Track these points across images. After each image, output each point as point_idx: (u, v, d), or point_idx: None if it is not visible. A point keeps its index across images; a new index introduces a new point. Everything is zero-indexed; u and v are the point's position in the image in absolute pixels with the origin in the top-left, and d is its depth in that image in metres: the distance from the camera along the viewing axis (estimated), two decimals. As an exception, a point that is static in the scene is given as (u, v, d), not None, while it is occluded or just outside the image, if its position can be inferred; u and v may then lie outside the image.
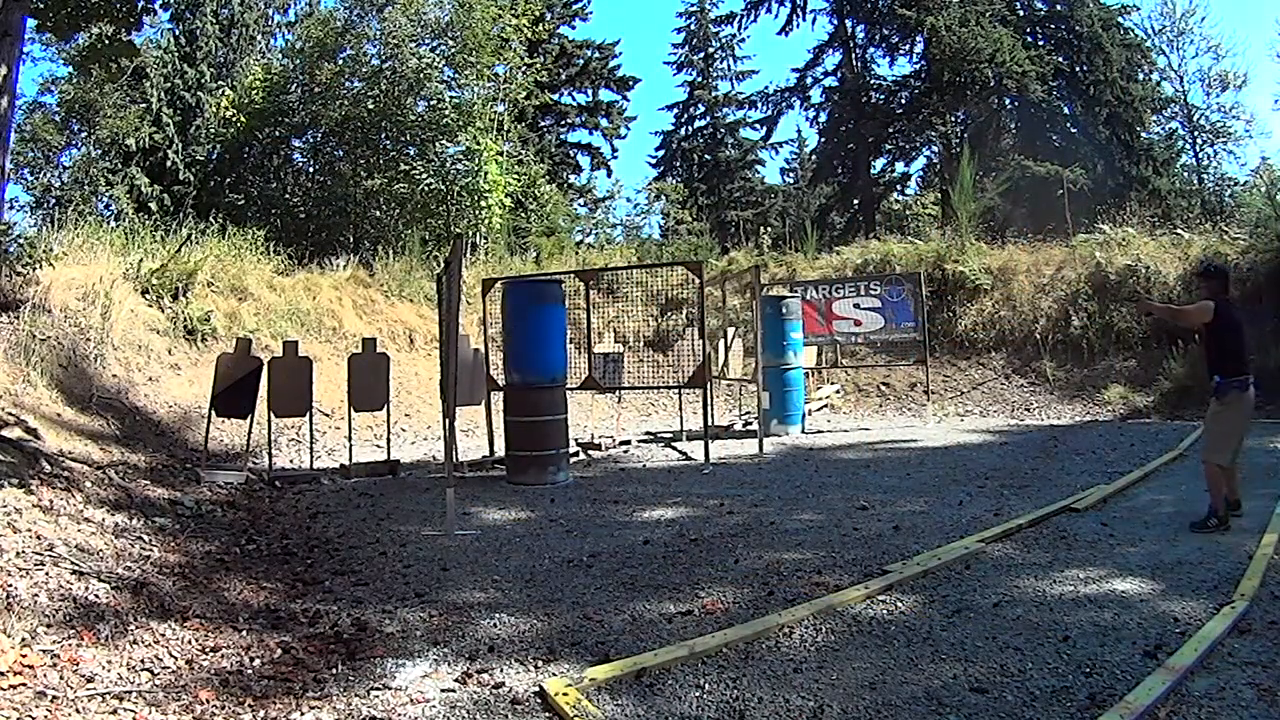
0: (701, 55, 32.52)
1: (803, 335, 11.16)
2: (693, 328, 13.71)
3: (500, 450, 8.11)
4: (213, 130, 19.90)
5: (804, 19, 28.14)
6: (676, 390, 10.81)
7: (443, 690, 3.04)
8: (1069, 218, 15.78)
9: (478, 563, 4.74)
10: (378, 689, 3.05)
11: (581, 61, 29.59)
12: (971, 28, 23.49)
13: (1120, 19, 25.31)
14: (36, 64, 21.49)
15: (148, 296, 9.31)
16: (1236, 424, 5.06)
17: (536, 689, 3.00)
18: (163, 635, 3.38)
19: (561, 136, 30.50)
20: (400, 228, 17.17)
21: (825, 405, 12.97)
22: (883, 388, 13.37)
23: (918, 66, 26.32)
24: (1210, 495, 4.99)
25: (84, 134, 19.97)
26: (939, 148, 26.95)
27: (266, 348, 9.54)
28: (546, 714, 2.84)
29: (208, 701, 2.86)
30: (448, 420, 6.34)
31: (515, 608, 3.94)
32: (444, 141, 17.28)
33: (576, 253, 18.90)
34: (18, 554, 3.71)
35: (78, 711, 2.70)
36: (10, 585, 3.40)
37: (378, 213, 17.91)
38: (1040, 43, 25.36)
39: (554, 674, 3.13)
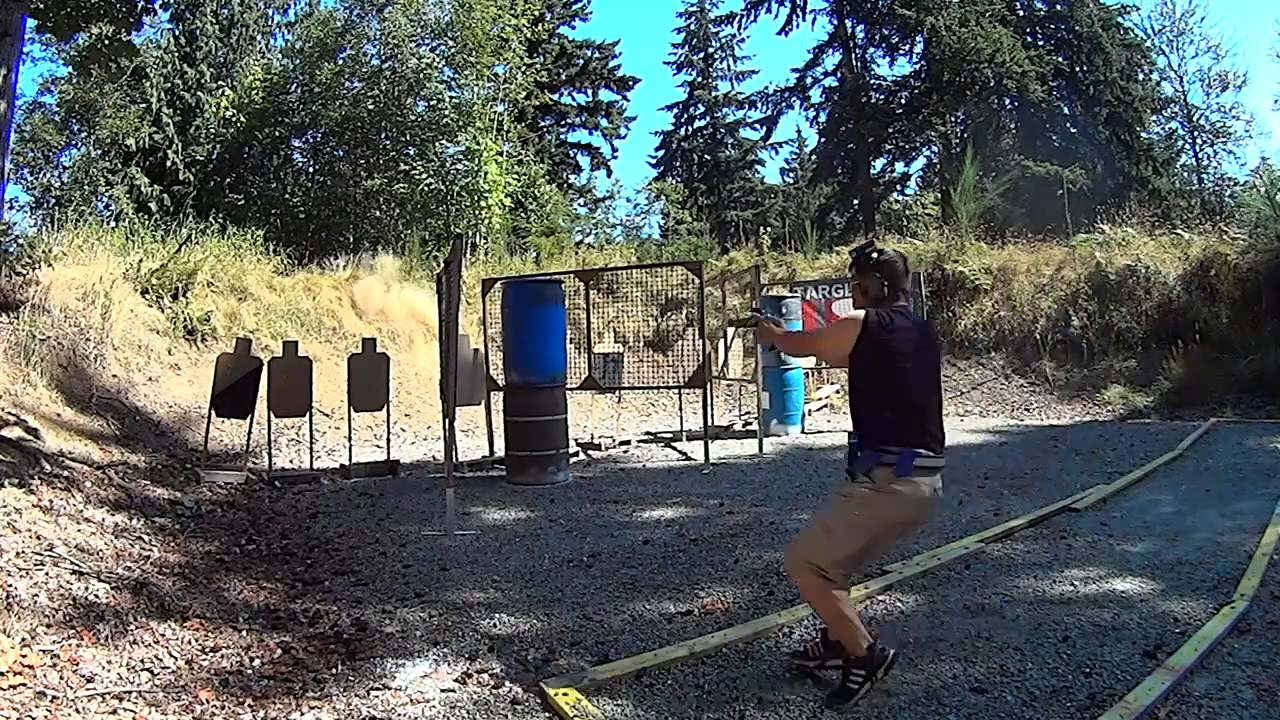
0: (701, 55, 32.54)
1: (803, 335, 11.14)
2: (693, 328, 13.72)
3: (500, 450, 8.11)
4: (213, 130, 19.91)
5: (804, 19, 28.18)
6: (676, 390, 10.81)
7: (443, 690, 3.04)
8: (1069, 218, 15.81)
9: (478, 563, 4.74)
10: (378, 689, 3.05)
11: (581, 61, 29.61)
12: (971, 28, 23.50)
13: (1120, 19, 25.33)
14: (36, 64, 21.60)
15: (147, 296, 9.31)
16: (875, 521, 2.88)
17: (536, 689, 3.00)
18: (163, 635, 3.38)
19: (561, 136, 30.53)
20: (400, 228, 17.20)
21: (825, 405, 12.95)
22: (883, 388, 13.35)
23: (917, 66, 26.34)
24: (829, 624, 2.99)
25: (84, 134, 20.00)
26: (939, 148, 26.96)
27: (266, 348, 9.55)
28: (546, 714, 2.84)
29: (208, 701, 2.86)
30: (447, 420, 6.33)
31: (515, 608, 3.94)
32: (444, 141, 17.31)
33: (576, 253, 18.91)
34: (18, 554, 3.71)
35: (77, 711, 2.70)
36: (10, 585, 3.40)
37: (378, 213, 17.93)
38: (1040, 43, 25.38)
39: (554, 674, 3.13)
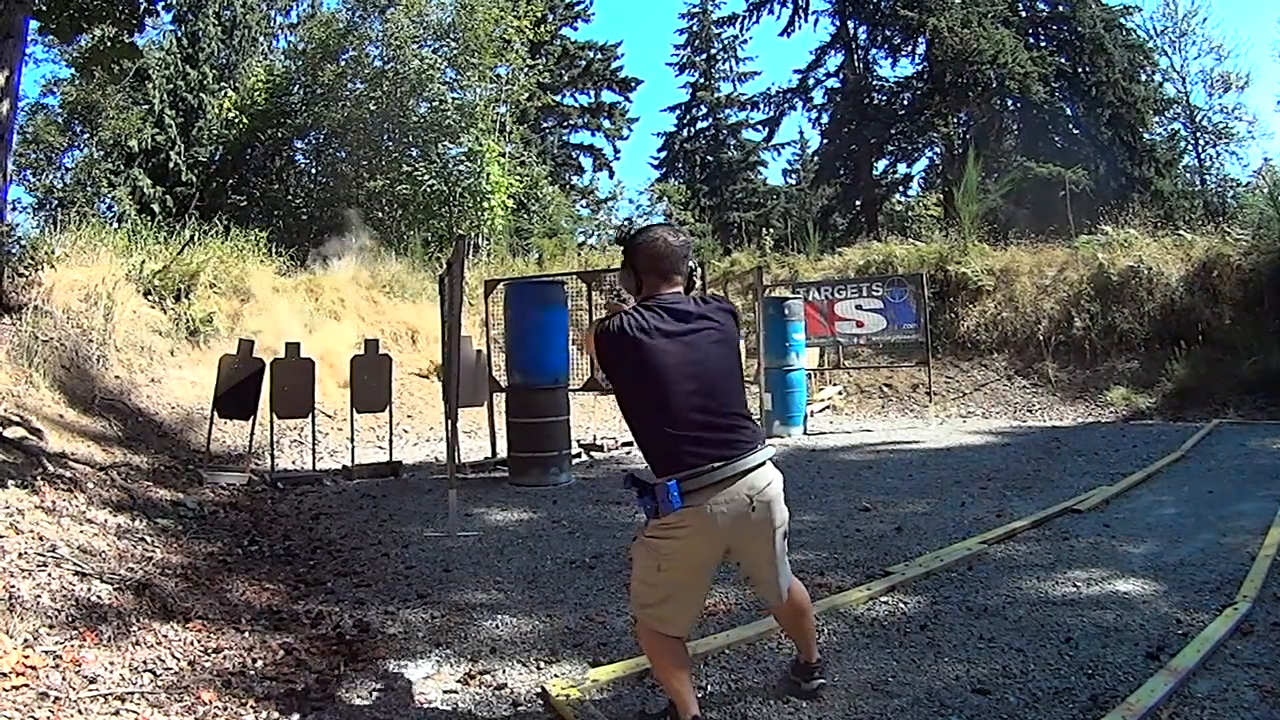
0: (704, 57, 32.59)
1: (805, 336, 11.15)
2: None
3: (502, 451, 8.11)
4: (215, 131, 19.97)
5: (806, 20, 28.22)
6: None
7: (445, 691, 3.04)
8: (1071, 219, 15.77)
9: (480, 564, 4.74)
10: (380, 690, 3.05)
11: (584, 63, 29.67)
12: (974, 29, 23.49)
13: (1122, 20, 25.32)
14: (39, 65, 21.58)
15: (150, 298, 9.32)
16: (674, 565, 2.45)
17: (538, 690, 3.00)
18: (165, 636, 3.38)
19: (564, 138, 30.61)
20: (403, 229, 17.22)
21: (827, 407, 12.95)
22: (885, 389, 13.36)
23: (920, 68, 26.34)
24: (658, 680, 2.71)
25: (86, 135, 20.05)
26: (941, 149, 26.94)
27: (268, 348, 9.55)
28: (549, 715, 2.84)
29: (210, 702, 2.86)
30: (450, 421, 6.34)
31: (518, 609, 3.94)
32: (446, 143, 17.34)
33: (579, 254, 18.94)
34: (20, 555, 3.72)
35: (80, 712, 2.70)
36: (13, 586, 3.40)
37: (380, 214, 17.95)
38: (1042, 44, 25.36)
39: (556, 675, 3.13)
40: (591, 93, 30.50)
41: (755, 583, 2.77)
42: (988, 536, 4.85)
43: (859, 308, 11.71)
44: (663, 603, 2.48)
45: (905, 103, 26.63)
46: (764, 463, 2.46)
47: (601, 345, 2.48)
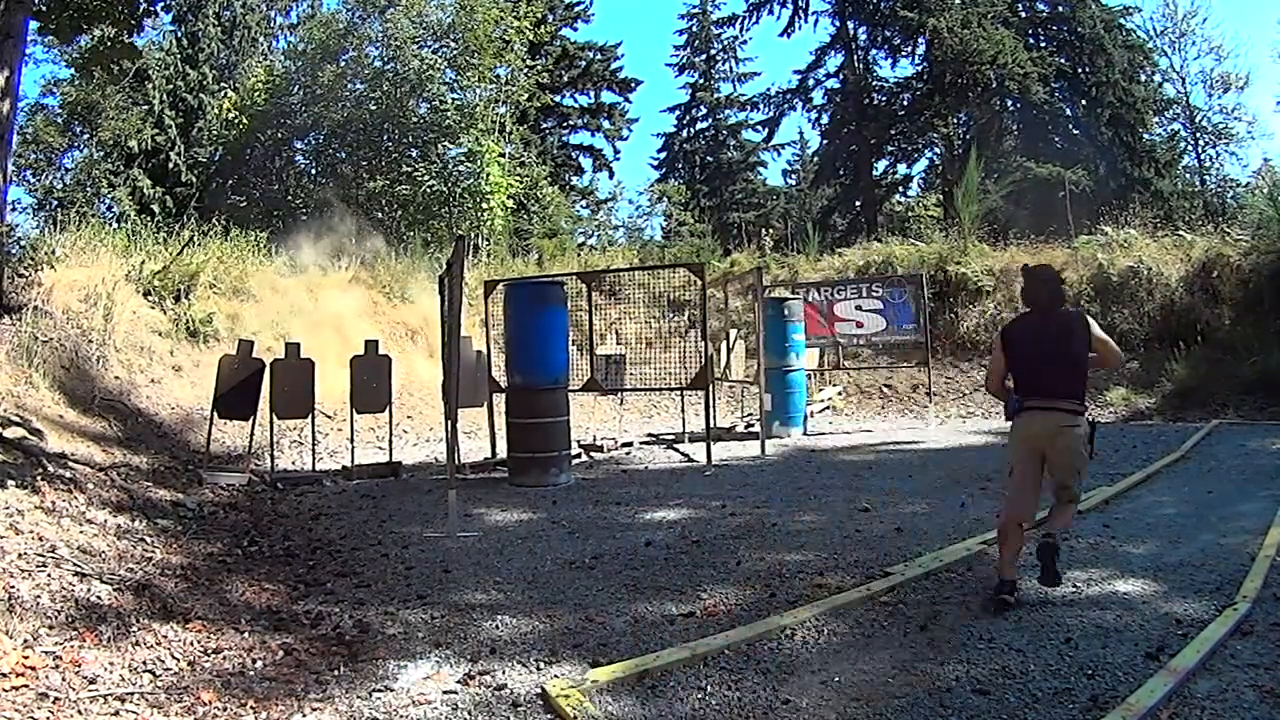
0: (703, 57, 32.55)
1: (805, 337, 11.14)
2: (695, 329, 13.72)
3: (502, 452, 8.11)
4: (215, 132, 19.97)
5: (806, 21, 28.18)
6: (679, 392, 10.79)
7: (445, 692, 3.04)
8: (1071, 219, 15.76)
9: (480, 564, 4.74)
10: (380, 690, 3.05)
11: (583, 63, 29.63)
12: (973, 29, 23.50)
13: (1122, 20, 25.32)
14: (39, 66, 21.51)
15: (150, 298, 9.32)
16: (1013, 447, 4.01)
17: (538, 690, 3.00)
18: (165, 636, 3.38)
19: (563, 138, 30.55)
20: (403, 229, 17.21)
21: (827, 407, 12.95)
22: (885, 389, 13.36)
23: (920, 68, 26.34)
24: (998, 556, 3.93)
25: (86, 136, 20.01)
26: (941, 149, 26.93)
27: (269, 349, 9.55)
28: (548, 715, 2.85)
29: (210, 703, 2.86)
30: (450, 422, 6.34)
31: (517, 609, 3.94)
32: (446, 143, 17.34)
33: (578, 254, 18.91)
34: (20, 555, 3.72)
35: (80, 713, 2.70)
36: (13, 587, 3.40)
37: (380, 215, 17.94)
38: (1042, 44, 25.37)
39: (556, 675, 3.13)
40: (591, 93, 30.46)
41: (1056, 476, 3.91)
42: (988, 537, 4.84)
43: (859, 308, 11.70)
44: (1011, 488, 3.95)
45: (905, 103, 26.63)
46: (1071, 412, 3.79)
47: (1003, 331, 4.11)
